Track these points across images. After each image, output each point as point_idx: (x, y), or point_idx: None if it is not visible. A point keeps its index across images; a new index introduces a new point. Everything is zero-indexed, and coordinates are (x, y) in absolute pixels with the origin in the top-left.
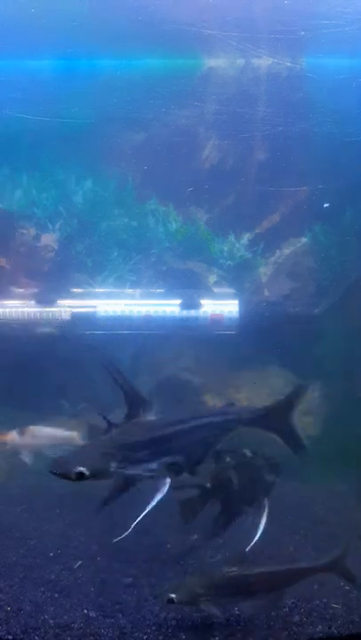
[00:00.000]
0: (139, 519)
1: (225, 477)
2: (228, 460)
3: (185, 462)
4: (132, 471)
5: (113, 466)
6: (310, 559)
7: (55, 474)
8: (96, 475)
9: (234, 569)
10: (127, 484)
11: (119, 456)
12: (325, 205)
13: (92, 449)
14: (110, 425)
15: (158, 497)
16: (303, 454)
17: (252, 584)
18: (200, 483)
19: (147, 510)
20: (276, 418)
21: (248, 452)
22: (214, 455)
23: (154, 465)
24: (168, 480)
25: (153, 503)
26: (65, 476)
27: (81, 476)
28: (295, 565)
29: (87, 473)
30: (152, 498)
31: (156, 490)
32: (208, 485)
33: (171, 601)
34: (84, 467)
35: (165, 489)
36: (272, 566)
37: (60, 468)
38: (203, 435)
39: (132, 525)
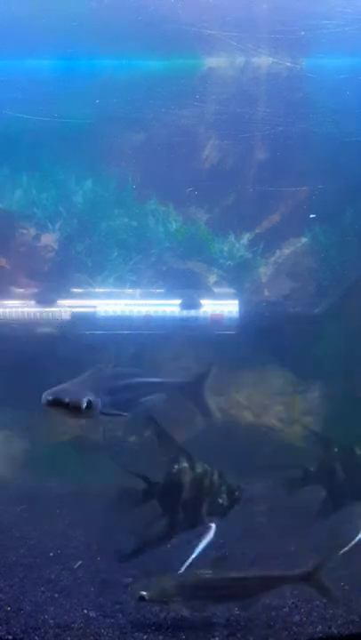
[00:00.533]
0: (188, 562)
1: (330, 466)
2: (336, 450)
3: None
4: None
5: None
6: (310, 560)
7: (62, 404)
8: (95, 408)
9: (208, 572)
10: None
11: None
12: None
13: (82, 385)
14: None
15: (205, 541)
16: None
17: (224, 588)
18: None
19: (194, 555)
20: (192, 389)
21: (358, 450)
22: (323, 441)
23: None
24: (214, 526)
25: (200, 547)
26: (74, 407)
27: (89, 406)
28: (269, 573)
29: (94, 403)
30: (199, 542)
31: (203, 534)
32: (312, 469)
33: (142, 598)
34: (91, 397)
35: (212, 534)
36: (246, 571)
37: (70, 395)
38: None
39: (184, 566)
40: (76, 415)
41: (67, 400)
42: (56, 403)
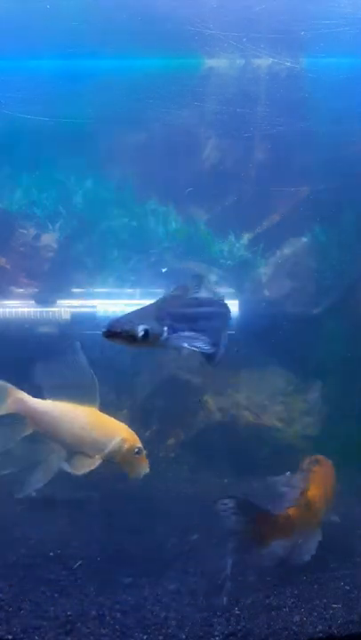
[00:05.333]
0: None
1: None
2: None
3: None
4: (176, 342)
5: (165, 331)
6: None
7: (116, 334)
8: (155, 337)
9: None
10: None
11: (168, 324)
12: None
13: (144, 313)
14: None
15: None
16: None
17: None
18: None
19: None
20: None
21: None
22: None
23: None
24: None
25: None
26: (129, 336)
27: (146, 335)
28: None
29: (152, 332)
30: None
31: None
32: None
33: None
34: (148, 326)
35: None
36: None
37: (123, 326)
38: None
39: None
40: (135, 345)
41: (117, 331)
42: (111, 334)
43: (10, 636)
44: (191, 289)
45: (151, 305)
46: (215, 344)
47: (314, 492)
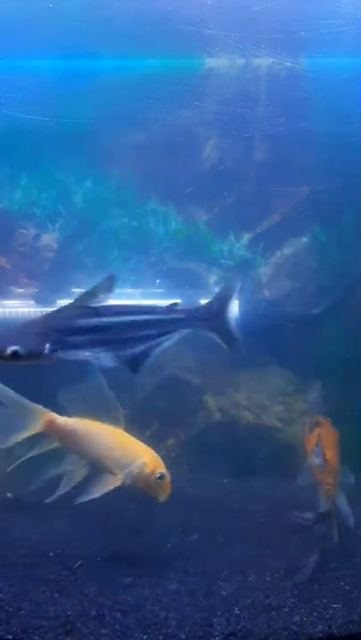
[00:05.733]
0: None
1: None
2: None
3: (122, 355)
4: (65, 356)
5: (47, 348)
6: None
7: None
8: (30, 355)
9: None
10: None
11: (53, 338)
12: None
13: (25, 329)
14: None
15: None
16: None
17: None
18: None
19: None
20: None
21: None
22: None
23: (86, 352)
24: None
25: None
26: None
27: (15, 355)
28: None
29: (22, 352)
30: None
31: None
32: None
33: None
34: (18, 345)
35: None
36: None
37: None
38: (142, 331)
39: None
40: (17, 362)
41: None
42: None
43: (10, 636)
44: (100, 296)
45: (40, 317)
46: (133, 356)
47: (329, 454)
